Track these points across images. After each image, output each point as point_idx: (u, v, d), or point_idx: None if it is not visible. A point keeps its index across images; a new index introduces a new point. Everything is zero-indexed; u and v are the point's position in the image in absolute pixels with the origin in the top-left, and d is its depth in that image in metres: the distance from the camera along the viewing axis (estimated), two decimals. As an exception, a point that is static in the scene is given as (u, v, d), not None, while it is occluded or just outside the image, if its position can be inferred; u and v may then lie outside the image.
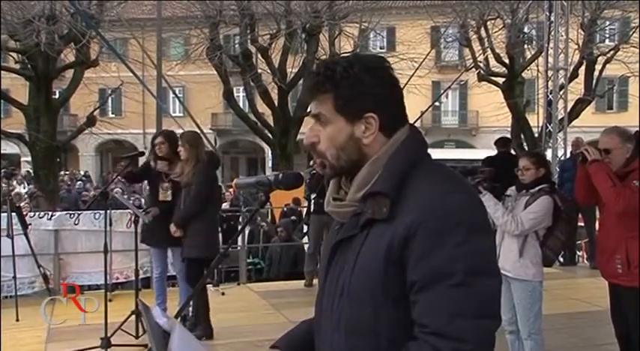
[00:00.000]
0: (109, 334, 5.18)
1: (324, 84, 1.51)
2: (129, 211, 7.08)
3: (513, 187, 4.42)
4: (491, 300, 1.41)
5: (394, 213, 1.43)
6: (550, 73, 10.55)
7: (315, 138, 1.55)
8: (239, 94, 19.64)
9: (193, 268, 5.54)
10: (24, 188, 18.23)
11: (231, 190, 15.39)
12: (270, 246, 10.16)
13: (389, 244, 1.41)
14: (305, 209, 9.70)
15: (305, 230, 10.35)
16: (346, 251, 1.52)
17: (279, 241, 10.15)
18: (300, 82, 14.62)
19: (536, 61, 14.88)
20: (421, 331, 1.37)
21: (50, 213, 7.96)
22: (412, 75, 13.02)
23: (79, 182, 22.05)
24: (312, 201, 7.95)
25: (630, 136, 4.05)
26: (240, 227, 10.36)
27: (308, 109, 1.63)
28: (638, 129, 5.12)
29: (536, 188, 4.22)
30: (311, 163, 7.61)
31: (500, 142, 9.31)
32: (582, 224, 9.14)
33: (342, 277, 1.50)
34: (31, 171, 16.08)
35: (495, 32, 16.05)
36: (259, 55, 15.39)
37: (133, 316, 5.48)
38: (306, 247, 9.00)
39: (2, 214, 6.90)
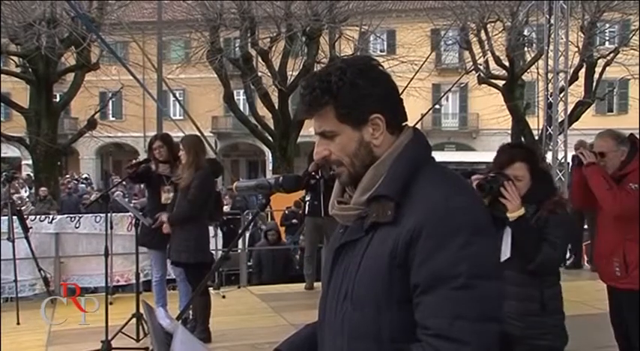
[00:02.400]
0: (109, 337, 5.18)
1: (322, 97, 1.49)
2: (130, 214, 7.08)
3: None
4: (494, 303, 1.41)
5: (398, 216, 1.43)
6: (550, 75, 10.52)
7: (325, 151, 1.54)
8: (239, 97, 19.67)
9: (191, 272, 5.56)
10: (25, 192, 18.22)
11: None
12: (258, 250, 9.89)
13: (393, 246, 1.42)
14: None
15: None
16: (350, 254, 1.51)
17: (268, 244, 9.79)
18: (301, 85, 14.63)
19: (536, 63, 14.90)
20: (424, 333, 1.38)
21: (51, 216, 7.96)
22: (412, 78, 13.02)
23: (82, 185, 22.03)
24: (307, 203, 7.81)
25: (624, 139, 4.05)
26: (240, 230, 10.33)
27: None
28: (638, 131, 5.12)
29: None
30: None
31: None
32: (585, 226, 9.12)
33: (346, 280, 1.50)
34: (31, 174, 16.10)
35: (495, 35, 16.09)
36: (260, 58, 15.42)
37: (134, 319, 5.47)
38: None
39: (3, 218, 6.90)
